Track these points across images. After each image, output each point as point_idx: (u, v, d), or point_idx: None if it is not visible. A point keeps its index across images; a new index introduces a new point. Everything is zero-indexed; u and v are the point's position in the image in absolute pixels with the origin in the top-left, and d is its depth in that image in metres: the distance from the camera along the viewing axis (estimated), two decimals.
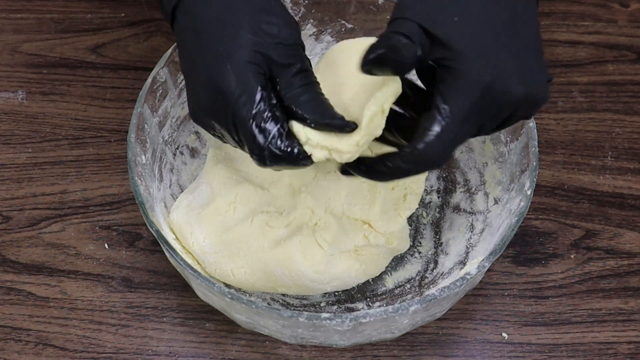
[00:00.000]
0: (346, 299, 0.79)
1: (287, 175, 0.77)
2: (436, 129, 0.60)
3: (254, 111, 0.62)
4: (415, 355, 0.78)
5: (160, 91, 0.77)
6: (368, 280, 0.79)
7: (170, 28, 0.97)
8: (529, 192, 0.71)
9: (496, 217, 0.77)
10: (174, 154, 0.82)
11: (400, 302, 0.75)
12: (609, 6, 0.99)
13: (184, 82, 0.80)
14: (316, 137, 0.63)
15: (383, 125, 0.63)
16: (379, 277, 0.79)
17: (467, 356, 0.78)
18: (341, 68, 0.66)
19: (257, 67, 0.63)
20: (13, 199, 0.86)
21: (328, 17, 0.84)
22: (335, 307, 0.78)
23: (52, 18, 0.99)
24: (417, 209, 0.80)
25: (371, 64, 0.59)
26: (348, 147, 0.63)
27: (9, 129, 0.91)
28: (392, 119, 0.65)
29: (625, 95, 0.93)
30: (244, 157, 0.79)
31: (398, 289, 0.79)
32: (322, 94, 0.64)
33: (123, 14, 0.99)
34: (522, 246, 0.83)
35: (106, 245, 0.83)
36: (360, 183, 0.77)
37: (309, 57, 0.75)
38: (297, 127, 0.63)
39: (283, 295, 0.78)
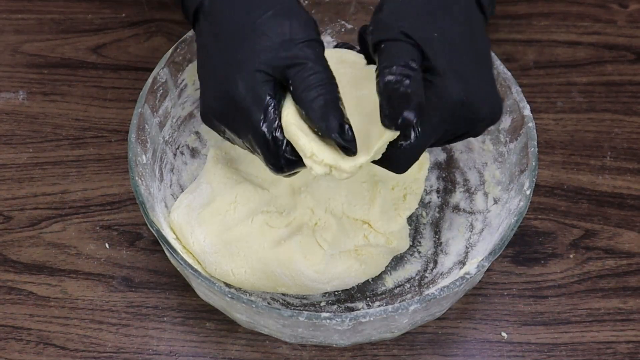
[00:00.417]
0: (346, 298, 0.79)
1: None
2: (407, 141, 0.62)
3: (265, 121, 0.62)
4: (415, 354, 0.78)
5: (161, 91, 0.77)
6: (368, 280, 0.79)
7: (170, 29, 0.98)
8: (528, 192, 0.71)
9: (496, 217, 0.77)
10: (175, 154, 0.82)
11: (400, 302, 0.75)
12: (608, 7, 1.00)
13: (184, 82, 0.80)
14: (322, 154, 0.62)
15: (384, 150, 0.64)
16: (379, 277, 0.79)
17: (467, 355, 0.78)
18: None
19: (266, 76, 0.63)
20: (14, 198, 0.86)
21: (328, 18, 0.84)
22: (335, 306, 0.78)
23: (52, 18, 0.99)
24: (416, 208, 0.80)
25: (399, 124, 0.59)
26: (351, 168, 0.62)
27: (10, 129, 0.91)
28: None
29: (625, 95, 0.93)
30: (244, 157, 0.79)
31: (398, 288, 0.79)
32: (338, 97, 0.62)
33: (124, 15, 0.99)
34: (522, 246, 0.83)
35: (107, 245, 0.83)
36: (360, 183, 0.77)
37: None
38: (303, 140, 0.62)
39: (283, 294, 0.78)
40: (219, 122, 0.66)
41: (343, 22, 0.85)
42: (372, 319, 0.65)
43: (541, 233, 0.84)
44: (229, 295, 0.66)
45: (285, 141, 0.63)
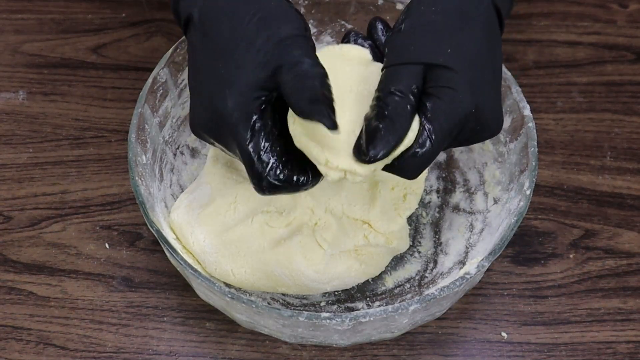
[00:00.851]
0: (346, 298, 0.79)
1: None
2: (419, 148, 0.62)
3: (251, 141, 0.61)
4: (415, 354, 0.78)
5: (161, 91, 0.77)
6: (368, 280, 0.79)
7: (170, 29, 0.98)
8: (528, 192, 0.71)
9: (495, 217, 0.77)
10: (175, 154, 0.82)
11: (400, 302, 0.75)
12: (608, 7, 1.00)
13: (184, 82, 0.80)
14: (336, 160, 0.62)
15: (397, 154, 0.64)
16: (379, 277, 0.79)
17: (467, 355, 0.78)
18: (336, 81, 0.65)
19: (257, 91, 0.62)
20: (14, 198, 0.86)
21: (328, 18, 0.84)
22: (335, 306, 0.78)
23: (52, 18, 0.99)
24: (416, 208, 0.80)
25: (375, 157, 0.61)
26: (366, 171, 0.62)
27: (10, 129, 0.91)
28: None
29: (624, 95, 0.93)
30: None
31: (398, 288, 0.79)
32: (325, 84, 0.61)
33: (124, 15, 0.99)
34: (522, 246, 0.83)
35: (107, 245, 0.83)
36: (360, 183, 0.77)
37: None
38: (315, 151, 0.62)
39: (283, 294, 0.78)
40: (208, 135, 0.65)
41: (343, 22, 0.85)
42: (372, 319, 0.65)
43: (541, 233, 0.84)
44: (229, 295, 0.66)
45: (270, 164, 0.62)
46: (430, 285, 0.78)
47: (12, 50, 0.96)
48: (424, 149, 0.62)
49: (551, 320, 0.79)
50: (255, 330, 0.73)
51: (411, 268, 0.80)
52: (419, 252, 0.81)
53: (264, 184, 0.62)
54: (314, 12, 0.83)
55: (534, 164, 0.72)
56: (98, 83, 0.94)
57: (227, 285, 0.76)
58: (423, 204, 0.83)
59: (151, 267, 0.82)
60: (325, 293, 0.78)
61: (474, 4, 0.65)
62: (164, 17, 0.99)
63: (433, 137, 0.62)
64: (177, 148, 0.83)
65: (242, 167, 0.78)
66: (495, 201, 0.79)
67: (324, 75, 0.62)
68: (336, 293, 0.79)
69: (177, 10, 0.68)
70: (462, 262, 0.78)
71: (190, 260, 0.73)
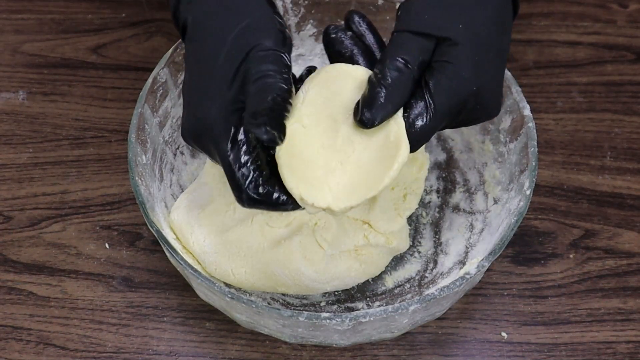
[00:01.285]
0: (346, 298, 0.79)
1: None
2: (421, 122, 0.63)
3: (231, 154, 0.61)
4: (415, 354, 0.78)
5: (161, 91, 0.77)
6: (368, 280, 0.79)
7: (170, 29, 0.98)
8: (528, 192, 0.71)
9: (495, 217, 0.77)
10: (175, 154, 0.82)
11: (400, 302, 0.75)
12: (607, 7, 1.00)
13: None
14: (311, 197, 0.62)
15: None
16: (379, 277, 0.79)
17: (467, 355, 0.78)
18: (333, 106, 0.65)
19: (234, 104, 0.62)
20: (14, 198, 0.86)
21: (328, 18, 0.84)
22: (335, 306, 0.78)
23: (52, 19, 0.99)
24: (416, 208, 0.80)
25: (371, 123, 0.62)
26: (342, 209, 0.63)
27: (10, 129, 0.91)
28: None
29: (624, 95, 0.93)
30: None
31: (398, 288, 0.79)
32: (281, 96, 0.61)
33: (124, 15, 0.99)
34: (522, 246, 0.83)
35: (107, 245, 0.83)
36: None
37: (308, 57, 0.75)
38: (291, 183, 0.62)
39: (283, 294, 0.78)
40: (195, 144, 0.65)
41: (343, 22, 0.84)
42: (372, 319, 0.65)
43: (541, 233, 0.84)
44: (229, 295, 0.66)
45: (250, 178, 0.61)
46: (431, 285, 0.78)
47: (12, 50, 0.96)
48: (424, 123, 0.63)
49: (551, 320, 0.79)
50: (255, 330, 0.73)
51: (411, 268, 0.80)
52: (419, 252, 0.81)
53: (243, 196, 0.62)
54: (314, 12, 0.83)
55: (534, 164, 0.72)
56: (98, 83, 0.94)
57: (227, 285, 0.76)
58: (423, 204, 0.83)
59: (151, 267, 0.82)
60: (325, 293, 0.78)
61: None
62: (164, 17, 0.99)
63: (433, 112, 0.63)
64: (177, 148, 0.83)
65: None
66: (495, 201, 0.79)
67: (284, 90, 0.61)
68: (336, 293, 0.79)
69: (176, 17, 0.68)
70: (462, 262, 0.78)
71: (190, 260, 0.73)
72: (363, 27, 0.70)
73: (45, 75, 0.95)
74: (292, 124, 0.63)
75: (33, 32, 0.98)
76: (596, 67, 0.95)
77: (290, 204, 0.63)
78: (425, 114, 0.63)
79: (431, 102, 0.63)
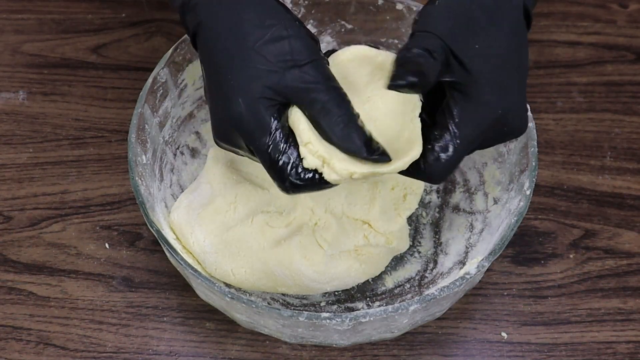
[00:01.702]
0: (346, 298, 0.79)
1: None
2: (446, 153, 0.62)
3: (270, 144, 0.62)
4: (415, 354, 0.78)
5: (161, 91, 0.77)
6: (368, 280, 0.79)
7: (170, 29, 0.99)
8: (528, 192, 0.71)
9: (495, 217, 0.77)
10: (175, 154, 0.82)
11: (400, 302, 0.75)
12: (608, 7, 1.00)
13: (184, 83, 0.80)
14: (318, 145, 0.62)
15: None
16: (379, 277, 0.79)
17: (467, 355, 0.78)
18: (350, 85, 0.65)
19: (268, 101, 0.62)
20: (14, 198, 0.86)
21: (328, 18, 0.84)
22: (335, 306, 0.78)
23: (53, 19, 0.99)
24: (416, 208, 0.80)
25: (400, 87, 0.61)
26: (342, 171, 0.62)
27: (10, 129, 0.91)
28: None
29: (624, 95, 0.93)
30: (244, 157, 0.79)
31: (398, 288, 0.79)
32: (355, 115, 0.62)
33: (124, 15, 0.99)
34: (522, 246, 0.83)
35: (107, 245, 0.83)
36: (360, 183, 0.77)
37: None
38: (303, 126, 0.62)
39: (283, 294, 0.78)
40: (230, 145, 0.66)
41: (343, 22, 0.85)
42: (372, 319, 0.65)
43: (541, 233, 0.84)
44: (229, 296, 0.66)
45: (291, 164, 0.62)
46: (430, 286, 0.78)
47: (12, 50, 0.96)
48: (450, 154, 0.62)
49: (551, 320, 0.79)
50: (255, 330, 0.73)
51: (411, 268, 0.80)
52: (419, 252, 0.81)
53: (287, 185, 0.63)
54: (314, 12, 0.83)
55: (534, 164, 0.72)
56: (98, 83, 0.94)
57: (227, 285, 0.76)
58: (423, 204, 0.83)
59: (151, 267, 0.82)
60: (325, 293, 0.78)
61: (506, 5, 0.65)
62: (164, 17, 0.99)
63: (458, 141, 0.62)
64: (177, 148, 0.83)
65: (242, 167, 0.79)
66: (495, 201, 0.79)
67: (349, 104, 0.62)
68: (336, 293, 0.79)
69: (185, 25, 0.68)
70: (462, 262, 0.78)
71: (190, 260, 0.73)
72: None
73: (45, 75, 0.95)
74: None
75: (33, 32, 0.98)
76: (596, 67, 0.95)
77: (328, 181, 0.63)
78: (450, 146, 0.62)
79: (456, 131, 0.62)
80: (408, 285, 0.79)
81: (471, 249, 0.79)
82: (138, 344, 0.78)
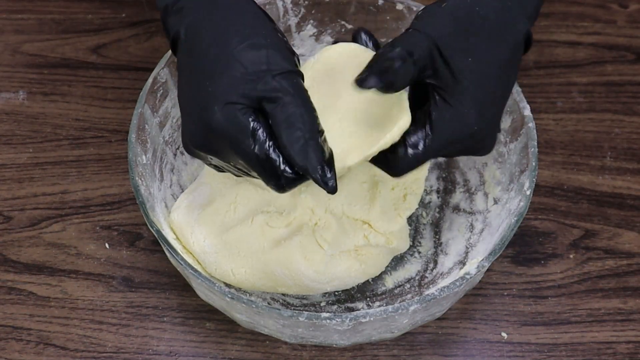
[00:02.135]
0: (346, 298, 0.79)
1: None
2: (414, 150, 0.63)
3: (255, 146, 0.61)
4: (415, 354, 0.78)
5: (161, 91, 0.77)
6: (368, 280, 0.79)
7: None
8: (528, 192, 0.71)
9: (496, 217, 0.77)
10: (175, 154, 0.82)
11: (400, 302, 0.75)
12: (608, 7, 1.00)
13: None
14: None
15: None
16: (379, 277, 0.79)
17: (467, 356, 0.78)
18: (338, 74, 0.66)
19: (245, 106, 0.61)
20: (14, 198, 0.86)
21: (328, 18, 0.84)
22: (335, 306, 0.78)
23: (53, 19, 0.99)
24: (416, 209, 0.80)
25: (365, 85, 0.63)
26: (338, 170, 0.63)
27: (10, 129, 0.91)
28: None
29: (625, 95, 0.93)
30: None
31: (398, 288, 0.79)
32: (318, 132, 0.61)
33: (124, 15, 0.99)
34: (522, 246, 0.83)
35: (107, 245, 0.83)
36: (360, 183, 0.77)
37: (309, 57, 0.75)
38: None
39: (283, 295, 0.78)
40: (204, 153, 0.65)
41: (343, 22, 0.85)
42: (372, 319, 0.65)
43: (541, 233, 0.84)
44: (229, 296, 0.66)
45: (281, 159, 0.61)
46: (431, 286, 0.78)
47: (12, 50, 0.96)
48: (416, 151, 0.63)
49: (551, 320, 0.79)
50: (255, 330, 0.73)
51: (411, 268, 0.80)
52: (419, 252, 0.81)
53: (282, 182, 0.62)
54: (314, 12, 0.83)
55: (534, 164, 0.72)
56: (98, 83, 0.94)
57: (227, 285, 0.76)
58: (423, 204, 0.83)
59: (151, 267, 0.82)
60: (326, 293, 0.78)
61: (510, 27, 0.65)
62: None
63: (429, 143, 0.63)
64: (177, 148, 0.83)
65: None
66: (496, 201, 0.79)
67: (315, 121, 0.61)
68: (336, 293, 0.79)
69: (166, 28, 0.67)
70: (462, 262, 0.78)
71: (190, 260, 0.73)
72: (369, 46, 0.70)
73: (45, 75, 0.95)
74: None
75: (33, 32, 0.98)
76: (596, 67, 0.95)
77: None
78: (421, 144, 0.63)
79: (430, 134, 0.63)
80: (408, 286, 0.79)
81: (471, 249, 0.79)
82: (138, 344, 0.78)
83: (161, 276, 0.82)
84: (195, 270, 0.68)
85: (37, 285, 0.81)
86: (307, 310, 0.77)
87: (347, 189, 0.77)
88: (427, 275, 0.80)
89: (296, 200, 0.76)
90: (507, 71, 0.66)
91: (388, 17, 0.82)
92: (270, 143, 0.61)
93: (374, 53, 0.67)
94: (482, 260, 0.68)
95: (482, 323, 0.80)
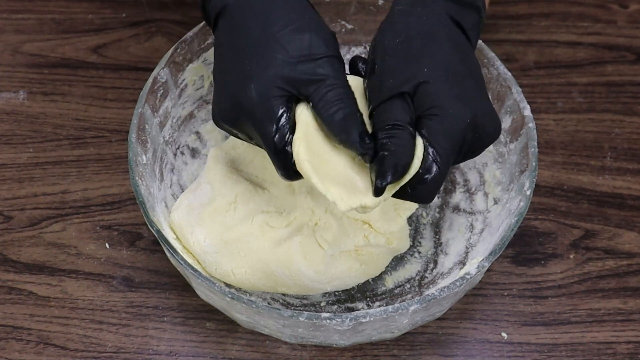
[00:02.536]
0: (346, 298, 0.79)
1: None
2: (429, 173, 0.63)
3: (276, 133, 0.63)
4: (415, 354, 0.78)
5: (161, 91, 0.77)
6: (368, 280, 0.79)
7: (170, 29, 0.98)
8: (528, 193, 0.71)
9: (496, 217, 0.77)
10: (175, 154, 0.82)
11: (400, 302, 0.75)
12: (608, 7, 1.00)
13: (184, 83, 0.80)
14: (343, 199, 0.63)
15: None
16: (379, 277, 0.79)
17: (467, 356, 0.78)
18: None
19: (279, 90, 0.63)
20: (14, 198, 0.86)
21: (328, 18, 0.84)
22: (335, 306, 0.78)
23: (53, 18, 0.99)
24: (417, 209, 0.80)
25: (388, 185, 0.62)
26: (374, 202, 0.63)
27: (10, 129, 0.91)
28: None
29: (625, 95, 0.93)
30: (244, 157, 0.80)
31: (398, 288, 0.79)
32: (357, 110, 0.63)
33: (124, 15, 0.99)
34: (522, 246, 0.83)
35: (107, 244, 0.83)
36: None
37: None
38: (319, 186, 0.63)
39: (283, 295, 0.78)
40: (231, 126, 0.67)
41: (343, 22, 0.85)
42: (372, 319, 0.65)
43: (541, 233, 0.84)
44: (229, 296, 0.66)
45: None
46: (431, 286, 0.78)
47: (12, 50, 0.96)
48: (432, 173, 0.63)
49: (551, 320, 0.79)
50: (255, 330, 0.73)
51: (411, 268, 0.80)
52: (419, 253, 0.81)
53: (290, 173, 0.64)
54: None
55: (534, 164, 0.72)
56: (98, 83, 0.94)
57: (227, 285, 0.76)
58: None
59: (151, 267, 0.82)
60: (326, 293, 0.78)
61: (433, 24, 0.66)
62: (164, 17, 0.99)
63: (438, 158, 0.63)
64: (178, 148, 0.83)
65: (242, 167, 0.79)
66: (496, 201, 0.79)
67: (355, 101, 0.63)
68: (336, 293, 0.79)
69: (207, 4, 0.69)
70: (463, 263, 0.78)
71: (190, 260, 0.73)
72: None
73: (45, 75, 0.95)
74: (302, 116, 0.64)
75: (33, 32, 0.98)
76: (596, 68, 0.95)
77: None
78: (433, 164, 0.63)
79: (432, 150, 0.63)
80: (408, 286, 0.79)
81: (471, 249, 0.79)
82: (138, 344, 0.78)
83: (161, 276, 0.82)
84: (195, 270, 0.68)
85: (37, 285, 0.81)
86: (307, 310, 0.77)
87: None
88: (427, 275, 0.80)
89: (296, 200, 0.76)
90: (461, 58, 0.66)
91: None
92: (291, 136, 0.63)
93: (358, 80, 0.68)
94: (482, 260, 0.68)
95: (482, 323, 0.80)
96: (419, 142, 0.63)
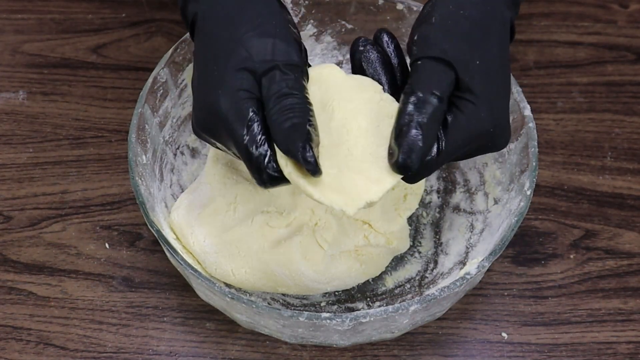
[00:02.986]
0: (346, 298, 0.79)
1: None
2: (430, 156, 0.62)
3: (247, 136, 0.62)
4: (415, 355, 0.78)
5: (161, 91, 0.77)
6: (368, 280, 0.79)
7: (170, 29, 0.99)
8: (528, 192, 0.71)
9: (496, 217, 0.77)
10: (175, 154, 0.82)
11: (400, 302, 0.75)
12: (608, 7, 1.00)
13: (184, 83, 0.80)
14: (327, 198, 0.62)
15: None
16: (379, 277, 0.79)
17: (467, 356, 0.78)
18: (333, 102, 0.66)
19: (247, 93, 0.62)
20: (14, 198, 0.86)
21: (328, 18, 0.84)
22: (336, 306, 0.78)
23: (52, 18, 0.99)
24: (417, 209, 0.80)
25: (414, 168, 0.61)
26: (359, 207, 0.62)
27: (10, 129, 0.91)
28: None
29: (625, 95, 0.93)
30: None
31: (398, 288, 0.79)
32: (309, 121, 0.61)
33: (124, 15, 0.99)
34: (522, 246, 0.83)
35: (107, 245, 0.83)
36: None
37: (308, 57, 0.75)
38: (309, 189, 0.62)
39: (283, 295, 0.78)
40: (207, 135, 0.66)
41: (343, 22, 0.85)
42: (372, 319, 0.65)
43: (541, 233, 0.84)
44: (229, 296, 0.66)
45: (268, 157, 0.62)
46: (431, 286, 0.78)
47: (12, 50, 0.96)
48: (432, 156, 0.62)
49: (551, 320, 0.79)
50: (255, 330, 0.73)
51: (411, 268, 0.80)
52: (420, 253, 0.81)
53: (264, 177, 0.62)
54: (314, 12, 0.83)
55: (534, 164, 0.72)
56: (98, 83, 0.94)
57: (227, 285, 0.76)
58: (423, 204, 0.83)
59: (151, 267, 0.82)
60: (326, 293, 0.78)
61: (497, 19, 0.65)
62: (164, 17, 0.99)
63: (443, 148, 0.62)
64: (177, 148, 0.83)
65: (242, 167, 0.79)
66: (496, 201, 0.79)
67: (309, 112, 0.62)
68: (336, 293, 0.79)
69: (185, 13, 0.69)
70: (463, 263, 0.78)
71: (190, 261, 0.73)
72: (391, 49, 0.70)
73: (45, 75, 0.95)
74: None
75: (33, 32, 0.98)
76: (597, 68, 0.95)
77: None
78: (435, 149, 0.62)
79: (444, 138, 0.62)
80: (408, 286, 0.79)
81: (471, 249, 0.79)
82: (138, 344, 0.78)
83: (161, 276, 0.82)
84: (195, 270, 0.68)
85: (37, 285, 0.81)
86: (307, 310, 0.77)
87: None
88: (427, 275, 0.80)
89: (296, 200, 0.76)
90: (504, 64, 0.66)
91: (388, 17, 0.82)
92: (262, 138, 0.62)
93: (370, 80, 0.68)
94: (483, 260, 0.68)
95: (482, 323, 0.79)
96: None
